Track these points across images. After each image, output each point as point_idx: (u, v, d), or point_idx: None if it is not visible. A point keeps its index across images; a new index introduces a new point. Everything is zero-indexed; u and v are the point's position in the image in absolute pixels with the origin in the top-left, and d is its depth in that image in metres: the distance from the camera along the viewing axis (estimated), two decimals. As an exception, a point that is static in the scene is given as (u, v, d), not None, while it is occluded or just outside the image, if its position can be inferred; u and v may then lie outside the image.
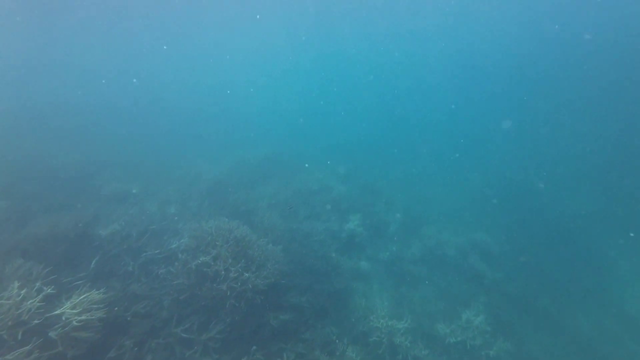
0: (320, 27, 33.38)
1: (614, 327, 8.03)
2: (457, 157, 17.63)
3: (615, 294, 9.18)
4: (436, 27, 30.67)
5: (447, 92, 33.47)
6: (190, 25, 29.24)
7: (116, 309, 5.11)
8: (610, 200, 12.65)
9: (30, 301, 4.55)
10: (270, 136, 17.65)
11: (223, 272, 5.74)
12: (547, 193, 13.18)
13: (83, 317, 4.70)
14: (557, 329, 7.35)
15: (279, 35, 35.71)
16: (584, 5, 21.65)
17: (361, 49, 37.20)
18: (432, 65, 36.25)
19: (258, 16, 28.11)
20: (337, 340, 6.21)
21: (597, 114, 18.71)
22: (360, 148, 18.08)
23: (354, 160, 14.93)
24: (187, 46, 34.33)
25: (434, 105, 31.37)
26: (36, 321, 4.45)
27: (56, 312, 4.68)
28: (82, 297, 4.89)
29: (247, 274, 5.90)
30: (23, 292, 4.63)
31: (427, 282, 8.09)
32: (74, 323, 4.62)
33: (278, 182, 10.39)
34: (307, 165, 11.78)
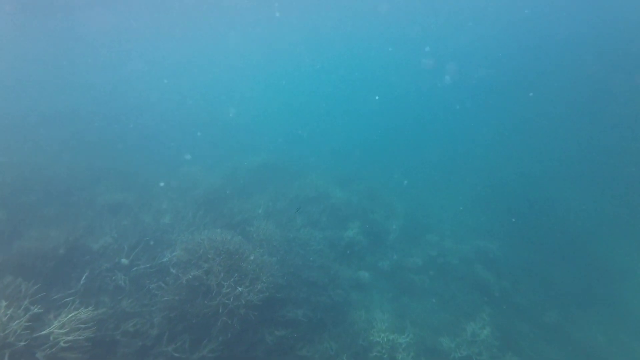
0: (318, 32, 33.36)
1: (631, 341, 7.57)
2: (459, 162, 17.17)
3: (632, 304, 8.68)
4: (434, 30, 30.36)
5: (447, 96, 32.98)
6: (187, 30, 29.39)
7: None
8: (623, 205, 12.04)
9: (17, 322, 4.44)
10: (268, 142, 17.55)
11: (215, 287, 5.56)
12: (554, 198, 12.62)
13: (70, 337, 4.57)
14: (569, 342, 6.95)
15: (277, 40, 35.76)
16: (582, 5, 21.11)
17: (359, 54, 37.01)
18: (432, 69, 35.80)
19: (256, 22, 28.18)
20: (335, 356, 5.96)
21: (610, 115, 18.00)
22: (359, 153, 17.79)
23: (353, 166, 14.65)
24: (184, 52, 34.52)
25: (434, 109, 30.93)
26: (23, 343, 4.33)
27: (43, 333, 4.56)
28: (70, 316, 4.76)
29: (240, 289, 5.71)
30: (10, 311, 4.52)
31: (429, 292, 7.78)
32: (61, 344, 4.49)
33: (275, 189, 10.24)
34: (305, 171, 11.58)
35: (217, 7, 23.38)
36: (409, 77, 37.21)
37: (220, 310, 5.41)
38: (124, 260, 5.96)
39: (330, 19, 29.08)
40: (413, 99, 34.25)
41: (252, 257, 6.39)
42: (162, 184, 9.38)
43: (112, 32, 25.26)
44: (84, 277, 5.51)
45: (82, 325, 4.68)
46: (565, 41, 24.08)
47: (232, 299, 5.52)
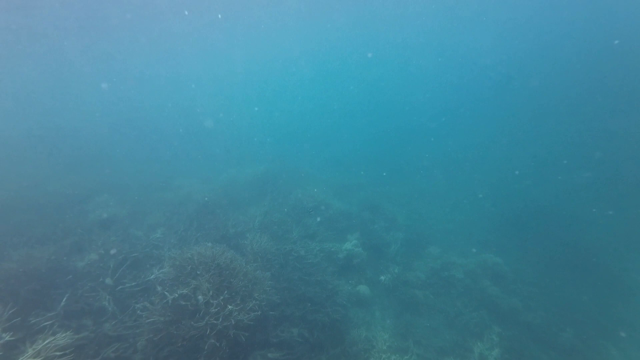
0: (316, 40, 33.79)
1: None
2: (462, 171, 16.73)
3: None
4: (432, 36, 30.58)
5: (450, 103, 32.85)
6: (183, 43, 29.75)
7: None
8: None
9: (-12, 350, 4.16)
10: (266, 153, 17.43)
11: (203, 306, 5.23)
12: (566, 208, 11.91)
13: (44, 367, 4.25)
14: (586, 366, 6.40)
15: (274, 50, 36.23)
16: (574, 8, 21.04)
17: (359, 61, 37.25)
18: (433, 75, 35.91)
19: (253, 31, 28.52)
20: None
21: (627, 123, 17.29)
22: (359, 163, 17.46)
23: (352, 176, 14.36)
24: (180, 64, 34.76)
25: (436, 117, 30.75)
26: (-8, 374, 4.03)
27: (16, 362, 4.25)
28: (46, 342, 4.46)
29: (230, 307, 5.36)
30: (-18, 339, 4.24)
31: (433, 309, 7.31)
32: (34, 374, 4.17)
33: (271, 200, 9.99)
34: (302, 181, 11.34)
35: (215, 15, 23.71)
36: (409, 83, 37.30)
37: (207, 332, 5.06)
38: (109, 280, 5.69)
39: (329, 28, 29.52)
40: (414, 107, 34.19)
41: (243, 273, 6.07)
42: (156, 197, 9.20)
43: (106, 48, 25.56)
44: (64, 298, 5.23)
45: (59, 353, 4.37)
46: (564, 42, 23.84)
47: (220, 319, 5.17)
